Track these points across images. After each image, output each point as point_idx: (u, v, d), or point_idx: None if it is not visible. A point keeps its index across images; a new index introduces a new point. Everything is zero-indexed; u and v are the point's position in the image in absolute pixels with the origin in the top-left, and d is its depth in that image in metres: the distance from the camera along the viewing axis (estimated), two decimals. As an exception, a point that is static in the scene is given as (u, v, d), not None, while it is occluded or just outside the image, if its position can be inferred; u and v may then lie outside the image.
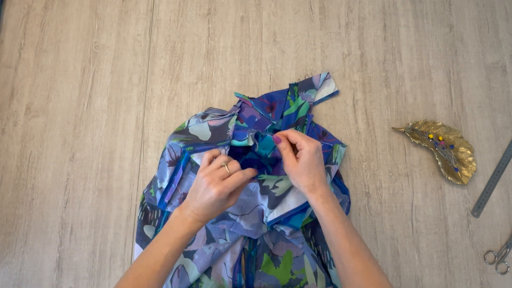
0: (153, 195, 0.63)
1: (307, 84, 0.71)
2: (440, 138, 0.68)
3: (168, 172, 0.62)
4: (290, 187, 0.56)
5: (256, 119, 0.66)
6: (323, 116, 0.71)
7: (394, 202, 0.67)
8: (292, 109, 0.68)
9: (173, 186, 0.60)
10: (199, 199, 0.46)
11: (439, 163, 0.66)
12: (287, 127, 0.66)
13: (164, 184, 0.61)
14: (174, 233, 0.47)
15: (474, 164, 0.66)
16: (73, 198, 0.68)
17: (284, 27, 0.76)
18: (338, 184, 0.65)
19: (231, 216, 0.58)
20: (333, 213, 0.47)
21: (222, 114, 0.67)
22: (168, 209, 0.61)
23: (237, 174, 0.47)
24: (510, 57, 0.74)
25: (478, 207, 0.66)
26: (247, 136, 0.54)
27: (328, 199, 0.48)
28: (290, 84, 0.70)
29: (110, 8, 0.77)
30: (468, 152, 0.67)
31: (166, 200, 0.60)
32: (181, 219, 0.48)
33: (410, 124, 0.69)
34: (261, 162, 0.64)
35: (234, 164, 0.47)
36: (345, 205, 0.64)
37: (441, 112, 0.71)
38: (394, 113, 0.71)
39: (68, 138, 0.71)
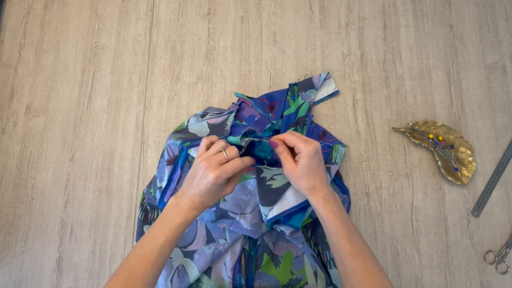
0: (153, 194, 0.63)
1: (307, 84, 0.71)
2: (440, 138, 0.68)
3: (167, 171, 0.62)
4: (289, 183, 0.56)
5: (256, 119, 0.66)
6: (323, 116, 0.71)
7: (394, 202, 0.67)
8: (292, 109, 0.68)
9: (172, 185, 0.60)
10: (196, 185, 0.46)
11: (439, 163, 0.66)
12: (287, 127, 0.66)
13: (164, 184, 0.61)
14: (169, 222, 0.46)
15: (474, 164, 0.66)
16: (73, 198, 0.68)
17: (284, 27, 0.76)
18: (338, 184, 0.65)
19: (231, 214, 0.58)
20: (334, 214, 0.47)
21: (221, 112, 0.67)
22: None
23: (236, 160, 0.47)
24: (510, 57, 0.74)
25: (478, 207, 0.66)
26: (242, 132, 0.54)
27: (329, 200, 0.48)
28: (290, 84, 0.70)
29: (110, 8, 0.77)
30: (468, 152, 0.67)
31: (165, 200, 0.61)
32: (177, 207, 0.47)
33: (410, 124, 0.69)
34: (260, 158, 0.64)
35: (232, 150, 0.47)
36: (345, 205, 0.64)
37: (441, 112, 0.71)
38: (394, 113, 0.71)
39: (68, 138, 0.71)
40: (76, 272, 0.64)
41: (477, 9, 0.76)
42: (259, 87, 0.73)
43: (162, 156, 0.66)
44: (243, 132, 0.54)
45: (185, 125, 0.67)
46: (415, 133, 0.69)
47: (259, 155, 0.59)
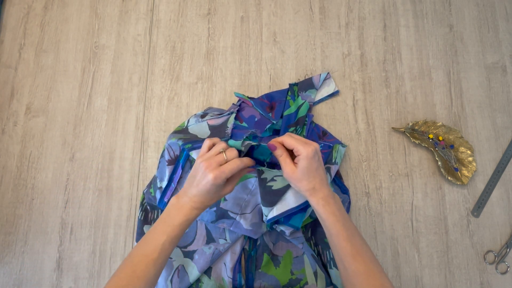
0: (153, 194, 0.63)
1: (307, 84, 0.71)
2: (440, 138, 0.68)
3: (167, 171, 0.62)
4: (289, 184, 0.56)
5: (256, 119, 0.66)
6: (323, 116, 0.71)
7: (394, 202, 0.67)
8: (292, 109, 0.68)
9: (173, 185, 0.60)
10: (196, 185, 0.47)
11: (439, 163, 0.66)
12: (287, 127, 0.66)
13: (164, 184, 0.61)
14: (171, 221, 0.47)
15: (474, 164, 0.66)
16: (73, 198, 0.68)
17: (284, 27, 0.76)
18: (338, 184, 0.65)
19: (231, 214, 0.58)
20: (334, 216, 0.47)
21: (221, 113, 0.67)
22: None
23: (235, 160, 0.47)
24: (510, 57, 0.74)
25: (478, 207, 0.66)
26: (244, 137, 0.54)
27: (329, 201, 0.48)
28: (290, 84, 0.70)
29: (110, 8, 0.77)
30: (468, 152, 0.67)
31: (165, 200, 0.61)
32: (178, 206, 0.48)
33: (410, 124, 0.69)
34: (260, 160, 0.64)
35: (232, 151, 0.48)
36: (345, 205, 0.64)
37: (441, 112, 0.71)
38: (394, 113, 0.71)
39: (68, 138, 0.71)
40: (76, 272, 0.64)
41: (477, 9, 0.76)
42: (259, 87, 0.73)
43: (162, 156, 0.66)
44: (244, 137, 0.54)
45: (185, 125, 0.67)
46: (415, 133, 0.69)
47: (259, 158, 0.59)
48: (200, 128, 0.64)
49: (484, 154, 0.69)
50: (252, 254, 0.61)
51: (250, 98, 0.69)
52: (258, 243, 0.62)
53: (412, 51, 0.74)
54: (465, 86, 0.72)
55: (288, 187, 0.55)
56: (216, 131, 0.63)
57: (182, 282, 0.58)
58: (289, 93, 0.69)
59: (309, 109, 0.69)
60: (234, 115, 0.65)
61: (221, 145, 0.49)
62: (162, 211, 0.65)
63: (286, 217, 0.56)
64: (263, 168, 0.57)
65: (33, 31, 0.76)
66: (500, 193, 0.67)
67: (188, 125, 0.66)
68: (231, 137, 0.58)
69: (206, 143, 0.50)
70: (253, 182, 0.59)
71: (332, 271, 0.59)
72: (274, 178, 0.56)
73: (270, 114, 0.67)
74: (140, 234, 0.63)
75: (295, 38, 0.75)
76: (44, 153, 0.70)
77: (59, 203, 0.67)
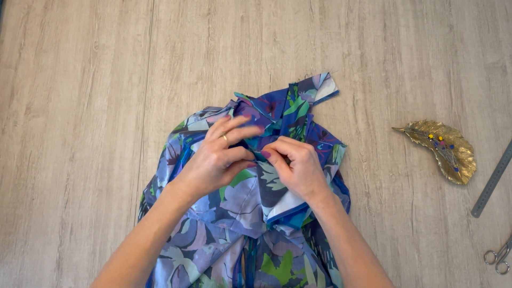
0: (153, 194, 0.63)
1: (307, 84, 0.71)
2: (440, 138, 0.68)
3: (168, 170, 0.62)
4: None
5: (256, 119, 0.66)
6: (323, 116, 0.71)
7: (394, 202, 0.67)
8: (292, 109, 0.68)
9: (173, 186, 0.60)
10: (196, 167, 0.46)
11: (439, 163, 0.66)
12: (287, 127, 0.66)
13: (164, 183, 0.61)
14: (164, 208, 0.46)
15: (474, 164, 0.66)
16: (73, 198, 0.68)
17: (284, 27, 0.76)
18: (338, 184, 0.65)
19: (231, 214, 0.58)
20: (334, 218, 0.47)
21: (219, 110, 0.67)
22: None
23: (239, 147, 0.47)
24: (510, 57, 0.74)
25: (478, 207, 0.66)
26: None
27: (329, 203, 0.47)
28: (290, 84, 0.70)
29: (110, 8, 0.77)
30: (468, 152, 0.67)
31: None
32: (172, 193, 0.46)
33: (410, 124, 0.69)
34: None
35: (233, 133, 0.48)
36: (345, 205, 0.64)
37: (441, 112, 0.71)
38: (394, 113, 0.71)
39: (68, 138, 0.71)
40: (76, 272, 0.64)
41: (477, 9, 0.76)
42: (259, 87, 0.73)
43: (162, 155, 0.66)
44: None
45: (185, 124, 0.67)
46: (415, 133, 0.69)
47: (259, 157, 0.59)
48: (199, 126, 0.64)
49: (484, 154, 0.69)
50: (252, 254, 0.61)
51: (250, 98, 0.69)
52: (258, 243, 0.62)
53: (412, 51, 0.74)
54: (465, 86, 0.72)
55: (286, 189, 0.55)
56: None
57: (182, 282, 0.58)
58: (289, 93, 0.69)
59: (309, 109, 0.69)
60: (232, 110, 0.65)
61: (220, 129, 0.48)
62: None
63: (286, 217, 0.56)
64: (264, 166, 0.57)
65: (33, 31, 0.76)
66: (500, 193, 0.67)
67: (188, 124, 0.66)
68: None
69: (210, 130, 0.50)
70: (253, 181, 0.59)
71: (332, 271, 0.59)
72: (274, 180, 0.56)
73: (270, 114, 0.67)
74: (140, 234, 0.63)
75: (295, 38, 0.75)
76: (44, 153, 0.70)
77: (59, 203, 0.67)
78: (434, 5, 0.77)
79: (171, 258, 0.60)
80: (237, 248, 0.61)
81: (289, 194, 0.55)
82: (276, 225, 0.58)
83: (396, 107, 0.71)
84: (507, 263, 0.63)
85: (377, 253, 0.64)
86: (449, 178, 0.65)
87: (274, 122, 0.65)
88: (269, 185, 0.55)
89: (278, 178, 0.56)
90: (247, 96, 0.68)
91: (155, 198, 0.62)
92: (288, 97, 0.69)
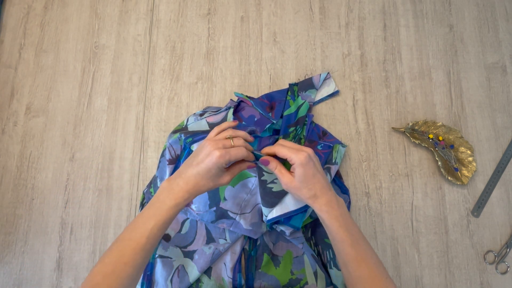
0: (153, 194, 0.63)
1: (307, 84, 0.71)
2: (440, 138, 0.68)
3: (168, 170, 0.62)
4: None
5: (256, 119, 0.66)
6: (323, 116, 0.71)
7: (394, 202, 0.67)
8: (292, 109, 0.68)
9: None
10: (197, 163, 0.46)
11: (439, 163, 0.66)
12: (287, 126, 0.66)
13: (164, 184, 0.61)
14: (160, 204, 0.45)
15: (474, 164, 0.66)
16: (73, 198, 0.68)
17: (284, 27, 0.76)
18: (338, 184, 0.65)
19: (231, 214, 0.58)
20: (337, 221, 0.46)
21: (218, 110, 0.67)
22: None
23: (241, 148, 0.47)
24: (510, 57, 0.74)
25: (478, 207, 0.66)
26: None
27: (332, 206, 0.47)
28: (290, 84, 0.70)
29: (110, 8, 0.77)
30: (468, 152, 0.67)
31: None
32: (169, 189, 0.46)
33: (410, 124, 0.69)
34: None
35: (239, 140, 0.48)
36: (345, 205, 0.64)
37: (441, 112, 0.71)
38: (394, 113, 0.71)
39: (68, 138, 0.71)
40: (76, 272, 0.64)
41: (477, 9, 0.76)
42: (259, 87, 0.73)
43: (162, 155, 0.66)
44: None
45: (184, 124, 0.67)
46: (415, 133, 0.69)
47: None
48: (199, 126, 0.64)
49: (484, 154, 0.69)
50: (252, 254, 0.61)
51: (250, 98, 0.69)
52: (258, 243, 0.62)
53: (412, 51, 0.74)
54: (465, 86, 0.72)
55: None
56: None
57: (182, 282, 0.58)
58: (289, 93, 0.69)
59: (309, 109, 0.69)
60: (232, 110, 0.65)
61: (229, 131, 0.49)
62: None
63: (286, 217, 0.56)
64: (263, 166, 0.57)
65: (33, 31, 0.76)
66: (500, 193, 0.67)
67: (188, 124, 0.66)
68: None
69: (215, 130, 0.50)
70: (253, 181, 0.59)
71: (332, 271, 0.59)
72: (274, 180, 0.56)
73: (270, 114, 0.67)
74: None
75: (295, 38, 0.75)
76: (44, 153, 0.70)
77: (59, 203, 0.67)
78: (434, 5, 0.77)
79: (171, 258, 0.60)
80: (237, 248, 0.61)
81: (290, 195, 0.55)
82: (276, 225, 0.58)
83: (396, 107, 0.71)
84: (507, 263, 0.63)
85: (377, 253, 0.64)
86: (449, 178, 0.65)
87: (274, 122, 0.65)
88: (269, 185, 0.55)
89: (277, 179, 0.56)
90: (247, 96, 0.68)
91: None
92: (288, 97, 0.69)
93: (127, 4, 0.78)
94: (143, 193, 0.66)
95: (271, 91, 0.72)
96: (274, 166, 0.49)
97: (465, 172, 0.66)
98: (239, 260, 0.60)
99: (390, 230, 0.65)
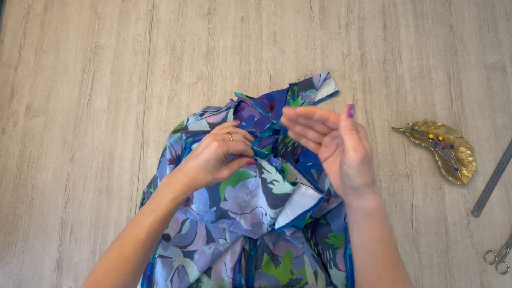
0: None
1: (307, 84, 0.71)
2: (440, 138, 0.68)
3: (168, 170, 0.62)
4: (289, 193, 0.55)
5: (256, 119, 0.66)
6: (323, 116, 0.71)
7: (394, 202, 0.67)
8: (292, 109, 0.68)
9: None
10: (196, 156, 0.46)
11: (439, 163, 0.66)
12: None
13: (164, 184, 0.61)
14: (160, 199, 0.45)
15: (474, 164, 0.66)
16: (73, 198, 0.68)
17: (284, 27, 0.76)
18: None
19: (231, 214, 0.58)
20: (386, 218, 0.41)
21: (218, 109, 0.67)
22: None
23: (240, 141, 0.47)
24: (510, 57, 0.74)
25: (478, 207, 0.66)
26: None
27: (382, 202, 0.41)
28: (290, 84, 0.70)
29: (110, 8, 0.77)
30: (468, 152, 0.67)
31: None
32: (168, 184, 0.46)
33: (410, 124, 0.69)
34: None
35: (238, 135, 0.49)
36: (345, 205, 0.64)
37: (441, 112, 0.71)
38: (394, 113, 0.71)
39: (68, 138, 0.71)
40: (76, 272, 0.64)
41: (477, 9, 0.76)
42: (259, 87, 0.73)
43: (162, 155, 0.66)
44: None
45: (185, 124, 0.67)
46: (415, 133, 0.69)
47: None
48: (199, 126, 0.64)
49: (484, 154, 0.69)
50: (252, 254, 0.61)
51: (250, 98, 0.69)
52: (258, 243, 0.62)
53: (412, 51, 0.74)
54: (465, 86, 0.72)
55: (287, 195, 0.54)
56: None
57: (182, 282, 0.58)
58: (289, 93, 0.69)
59: (309, 109, 0.69)
60: (232, 110, 0.65)
61: (229, 128, 0.49)
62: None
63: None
64: (263, 163, 0.57)
65: (33, 31, 0.76)
66: (500, 193, 0.67)
67: (188, 124, 0.66)
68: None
69: (217, 128, 0.51)
70: (252, 182, 0.59)
71: (332, 271, 0.59)
72: (273, 181, 0.56)
73: (270, 114, 0.67)
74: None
75: (295, 38, 0.75)
76: (44, 153, 0.70)
77: (59, 203, 0.67)
78: (434, 5, 0.77)
79: (171, 258, 0.60)
80: (237, 248, 0.61)
81: (296, 198, 0.55)
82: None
83: (396, 107, 0.71)
84: (507, 263, 0.63)
85: (377, 253, 0.64)
86: (449, 178, 0.65)
87: (274, 122, 0.65)
88: (269, 185, 0.55)
89: (277, 180, 0.56)
90: (247, 96, 0.68)
91: (155, 198, 0.62)
92: (288, 97, 0.69)
93: (127, 4, 0.78)
94: (143, 193, 0.66)
95: (271, 91, 0.72)
96: (350, 126, 0.39)
97: (465, 172, 0.66)
98: (239, 260, 0.60)
99: (390, 230, 0.65)
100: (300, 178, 0.56)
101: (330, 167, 0.45)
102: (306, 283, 0.59)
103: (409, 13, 0.76)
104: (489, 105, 0.71)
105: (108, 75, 0.74)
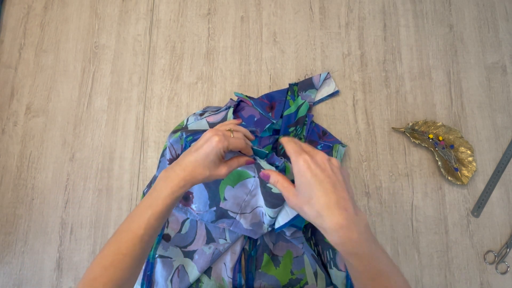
0: (153, 195, 0.63)
1: (307, 84, 0.71)
2: (440, 138, 0.68)
3: (168, 171, 0.62)
4: None
5: (256, 119, 0.66)
6: (323, 116, 0.71)
7: (394, 202, 0.67)
8: (292, 109, 0.68)
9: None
10: (195, 150, 0.45)
11: (439, 163, 0.66)
12: (287, 126, 0.66)
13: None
14: (157, 194, 0.44)
15: (474, 164, 0.66)
16: (73, 198, 0.68)
17: (284, 27, 0.76)
18: (338, 184, 0.65)
19: (231, 214, 0.58)
20: (355, 258, 0.37)
21: (218, 109, 0.67)
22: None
23: (240, 139, 0.47)
24: (510, 57, 0.74)
25: (478, 207, 0.66)
26: None
27: (346, 233, 0.37)
28: (290, 84, 0.70)
29: (110, 8, 0.77)
30: (468, 152, 0.67)
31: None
32: (165, 178, 0.45)
33: (410, 124, 0.69)
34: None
35: (238, 133, 0.49)
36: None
37: (441, 112, 0.71)
38: (394, 113, 0.71)
39: (68, 138, 0.71)
40: (76, 272, 0.64)
41: (477, 9, 0.76)
42: (259, 87, 0.73)
43: (162, 155, 0.66)
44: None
45: (184, 124, 0.67)
46: (415, 133, 0.69)
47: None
48: (199, 126, 0.64)
49: (484, 154, 0.69)
50: (252, 254, 0.61)
51: (250, 98, 0.69)
52: (258, 243, 0.62)
53: (412, 51, 0.74)
54: (465, 86, 0.72)
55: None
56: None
57: (182, 282, 0.58)
58: (289, 93, 0.69)
59: (309, 109, 0.69)
60: (232, 109, 0.65)
61: (230, 126, 0.49)
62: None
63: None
64: (262, 163, 0.57)
65: (33, 31, 0.76)
66: (500, 193, 0.67)
67: (188, 123, 0.66)
68: None
69: (217, 126, 0.51)
70: (252, 182, 0.59)
71: (332, 271, 0.59)
72: None
73: (270, 114, 0.67)
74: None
75: (295, 38, 0.75)
76: (44, 153, 0.70)
77: (59, 203, 0.67)
78: (434, 5, 0.77)
79: (171, 258, 0.60)
80: (237, 248, 0.61)
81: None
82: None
83: (396, 107, 0.71)
84: (507, 263, 0.63)
85: (377, 253, 0.64)
86: (449, 178, 0.65)
87: (274, 122, 0.65)
88: (269, 185, 0.55)
89: None
90: (247, 96, 0.68)
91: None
92: (288, 97, 0.69)
93: (127, 4, 0.78)
94: (143, 193, 0.66)
95: (271, 91, 0.72)
96: (276, 180, 0.44)
97: (465, 172, 0.66)
98: (239, 260, 0.60)
99: (390, 230, 0.65)
100: None
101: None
102: (306, 283, 0.59)
103: (409, 13, 0.76)
104: (489, 105, 0.71)
105: (108, 75, 0.74)
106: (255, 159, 0.53)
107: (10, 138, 0.71)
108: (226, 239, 0.60)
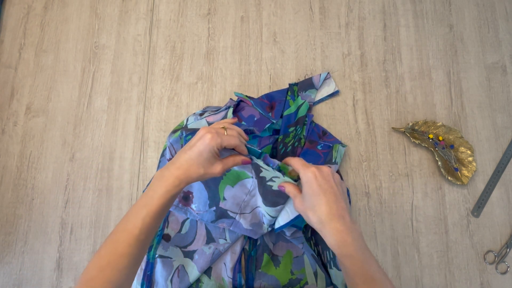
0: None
1: (307, 84, 0.71)
2: (440, 138, 0.68)
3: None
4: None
5: (256, 118, 0.66)
6: (323, 116, 0.71)
7: (394, 202, 0.67)
8: (292, 109, 0.68)
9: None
10: (189, 148, 0.45)
11: (439, 163, 0.66)
12: (286, 126, 0.66)
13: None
14: (152, 193, 0.44)
15: (474, 164, 0.66)
16: (73, 198, 0.68)
17: (284, 27, 0.76)
18: (338, 184, 0.65)
19: (231, 214, 0.58)
20: (350, 260, 0.41)
21: (218, 109, 0.67)
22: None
23: (234, 136, 0.48)
24: (510, 57, 0.74)
25: (478, 207, 0.66)
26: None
27: (343, 237, 0.42)
28: (290, 84, 0.70)
29: (110, 8, 0.77)
30: (468, 152, 0.67)
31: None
32: (160, 178, 0.45)
33: (410, 124, 0.69)
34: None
35: (232, 130, 0.49)
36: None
37: (441, 112, 0.71)
38: (394, 113, 0.71)
39: (68, 138, 0.71)
40: (76, 272, 0.64)
41: (477, 9, 0.76)
42: (259, 87, 0.73)
43: (163, 155, 0.66)
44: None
45: (184, 124, 0.67)
46: (415, 133, 0.69)
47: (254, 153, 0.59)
48: (199, 126, 0.64)
49: (484, 154, 0.69)
50: (252, 254, 0.61)
51: (250, 98, 0.69)
52: (258, 243, 0.62)
53: (412, 51, 0.74)
54: (465, 86, 0.72)
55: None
56: None
57: (182, 282, 0.58)
58: (289, 93, 0.69)
59: (309, 109, 0.69)
60: (231, 109, 0.65)
61: (224, 124, 0.50)
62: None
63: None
64: (260, 162, 0.57)
65: (33, 31, 0.76)
66: (500, 193, 0.67)
67: (187, 123, 0.66)
68: None
69: (213, 125, 0.51)
70: (251, 182, 0.59)
71: (332, 271, 0.59)
72: (273, 178, 0.56)
73: (270, 114, 0.67)
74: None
75: (295, 38, 0.75)
76: (44, 153, 0.70)
77: (59, 203, 0.67)
78: (434, 5, 0.77)
79: (171, 258, 0.60)
80: (237, 248, 0.61)
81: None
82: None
83: (396, 107, 0.71)
84: (507, 263, 0.63)
85: (377, 253, 0.64)
86: (449, 178, 0.65)
87: (274, 122, 0.65)
88: (269, 183, 0.55)
89: (277, 176, 0.56)
90: (247, 96, 0.68)
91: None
92: (288, 97, 0.69)
93: (127, 4, 0.78)
94: (143, 193, 0.66)
95: (271, 91, 0.72)
96: (288, 190, 0.49)
97: (465, 172, 0.66)
98: (239, 260, 0.60)
99: (390, 230, 0.65)
100: None
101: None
102: (306, 283, 0.59)
103: (409, 13, 0.76)
104: (489, 105, 0.71)
105: (108, 75, 0.74)
106: (251, 159, 0.53)
107: (10, 138, 0.71)
108: (226, 239, 0.60)
